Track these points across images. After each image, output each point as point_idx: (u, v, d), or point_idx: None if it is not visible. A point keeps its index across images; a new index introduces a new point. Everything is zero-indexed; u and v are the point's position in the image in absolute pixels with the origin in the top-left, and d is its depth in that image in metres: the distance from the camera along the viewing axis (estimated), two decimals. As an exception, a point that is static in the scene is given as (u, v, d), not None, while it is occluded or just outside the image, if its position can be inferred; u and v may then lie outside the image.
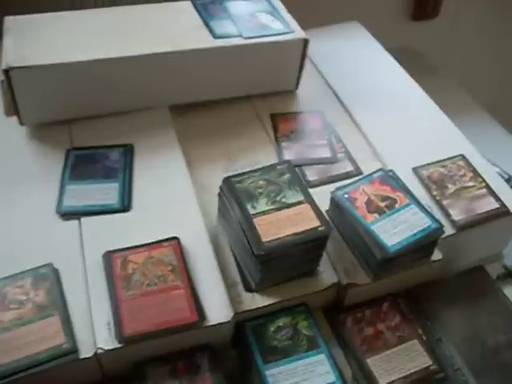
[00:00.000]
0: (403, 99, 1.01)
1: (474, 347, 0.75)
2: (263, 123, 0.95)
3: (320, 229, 0.70)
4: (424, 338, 0.75)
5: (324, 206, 0.79)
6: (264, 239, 0.69)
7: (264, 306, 0.72)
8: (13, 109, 0.87)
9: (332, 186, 0.81)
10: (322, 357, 0.70)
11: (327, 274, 0.75)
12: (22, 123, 0.89)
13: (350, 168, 0.88)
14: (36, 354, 0.65)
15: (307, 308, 0.74)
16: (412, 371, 0.71)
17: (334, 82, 1.04)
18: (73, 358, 0.65)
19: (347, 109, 0.99)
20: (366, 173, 0.85)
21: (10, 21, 0.91)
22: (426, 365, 0.72)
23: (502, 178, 0.92)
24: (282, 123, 0.94)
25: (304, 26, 0.97)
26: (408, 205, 0.77)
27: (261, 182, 0.75)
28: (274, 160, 0.87)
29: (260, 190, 0.74)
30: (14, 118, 0.88)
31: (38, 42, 0.87)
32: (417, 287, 0.80)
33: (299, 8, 1.02)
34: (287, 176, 0.76)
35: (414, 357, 0.73)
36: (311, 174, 0.87)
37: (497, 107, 1.42)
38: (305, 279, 0.75)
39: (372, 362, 0.72)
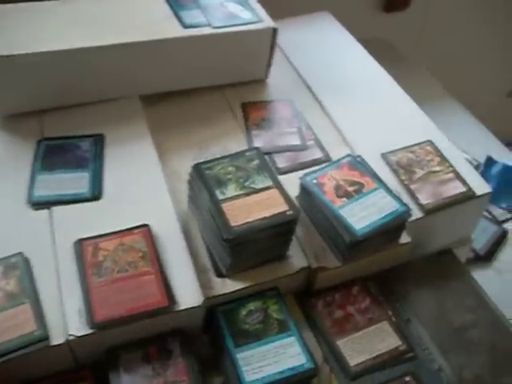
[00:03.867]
0: (372, 87, 1.03)
1: (441, 327, 0.77)
2: (234, 112, 0.96)
3: (288, 213, 0.71)
4: (393, 319, 0.76)
5: (294, 192, 0.80)
6: (233, 223, 0.70)
7: (235, 291, 0.73)
8: (-16, 100, 0.87)
9: (302, 173, 0.82)
10: (293, 339, 0.71)
11: (297, 259, 0.76)
12: (-7, 114, 0.89)
13: (319, 155, 0.89)
14: (7, 341, 0.65)
15: (278, 292, 0.75)
16: (382, 352, 0.73)
17: (303, 71, 1.05)
18: (44, 344, 0.65)
19: (317, 97, 1.00)
20: (335, 160, 0.86)
21: (-18, 11, 0.91)
22: (396, 345, 0.74)
23: (471, 164, 0.94)
24: (252, 112, 0.95)
25: (275, 16, 0.98)
26: (376, 189, 0.78)
27: (230, 169, 0.75)
28: (244, 148, 0.88)
29: (229, 176, 0.74)
30: (-16, 110, 0.89)
31: (10, 32, 0.88)
32: (386, 270, 0.82)
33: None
34: (256, 162, 0.77)
35: (383, 338, 0.74)
36: (281, 161, 0.88)
37: (467, 97, 1.44)
38: (275, 264, 0.76)
39: (342, 343, 0.74)
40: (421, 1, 1.65)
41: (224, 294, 0.73)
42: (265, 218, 0.71)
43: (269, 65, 0.99)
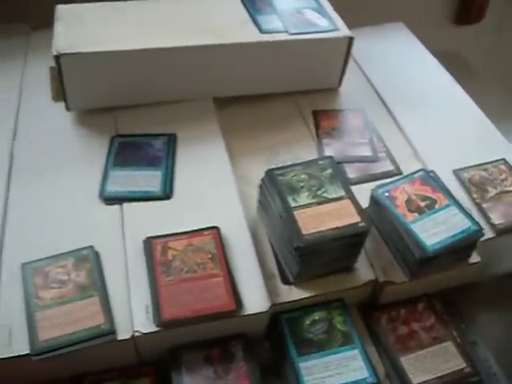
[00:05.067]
0: (446, 101, 1.01)
1: (510, 352, 0.75)
2: (305, 119, 0.96)
3: (360, 224, 0.71)
4: (459, 340, 0.74)
5: (363, 204, 0.79)
6: (304, 232, 0.69)
7: (300, 299, 0.73)
8: (60, 94, 0.89)
9: (371, 185, 0.81)
10: (356, 352, 0.70)
11: (364, 271, 0.75)
12: (68, 109, 0.90)
13: (390, 167, 0.88)
14: (75, 332, 0.66)
15: (343, 303, 0.74)
16: (446, 372, 0.71)
17: (376, 81, 1.04)
18: (110, 338, 0.66)
19: (389, 108, 0.99)
20: (405, 173, 0.85)
21: (61, 9, 0.93)
22: (461, 367, 0.71)
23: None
24: (323, 120, 0.95)
25: (347, 25, 0.97)
26: (448, 206, 0.77)
27: (303, 176, 0.75)
28: (314, 156, 0.88)
29: (302, 184, 0.74)
30: (61, 104, 0.90)
31: (88, 31, 0.89)
32: (453, 289, 0.80)
33: (343, 7, 1.02)
34: (329, 171, 0.76)
35: (448, 358, 0.72)
36: (351, 172, 0.87)
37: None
38: (342, 275, 0.75)
39: (405, 360, 0.72)
40: (494, 14, 1.62)
41: (289, 302, 0.72)
42: (336, 228, 0.70)
43: (342, 73, 0.99)
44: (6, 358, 0.64)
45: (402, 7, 1.41)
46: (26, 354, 0.64)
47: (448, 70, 1.09)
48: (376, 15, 1.19)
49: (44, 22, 0.96)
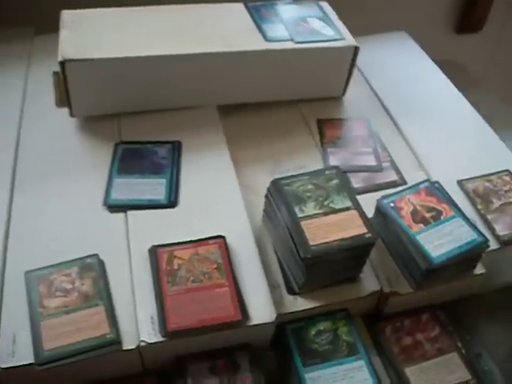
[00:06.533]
0: (449, 111, 1.01)
1: (514, 364, 0.75)
2: (309, 128, 0.95)
3: (367, 236, 0.70)
4: (463, 351, 0.74)
5: (367, 214, 0.79)
6: (311, 243, 0.69)
7: (305, 310, 0.73)
8: (64, 100, 0.88)
9: (376, 195, 0.81)
10: (362, 363, 0.70)
11: (369, 282, 0.75)
12: (72, 115, 0.90)
13: (394, 177, 0.88)
14: (80, 342, 0.66)
15: (348, 314, 0.74)
16: (451, 384, 0.71)
17: (380, 90, 1.05)
18: (116, 348, 0.66)
19: (393, 118, 0.99)
20: (410, 183, 0.85)
21: (66, 14, 0.93)
22: (465, 379, 0.71)
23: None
24: (328, 129, 0.95)
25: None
26: (453, 217, 0.76)
27: (309, 186, 0.75)
28: (319, 165, 0.88)
29: (308, 194, 0.74)
30: (65, 110, 0.90)
31: (94, 37, 0.89)
32: (458, 300, 0.80)
33: (344, 15, 1.02)
34: (335, 181, 0.76)
35: (452, 369, 0.72)
36: (355, 182, 0.87)
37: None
38: (347, 285, 0.75)
39: (410, 371, 0.72)
40: (495, 24, 1.62)
41: (294, 312, 0.72)
42: (343, 240, 0.70)
43: (347, 83, 0.99)
44: (9, 368, 0.63)
45: (402, 15, 1.41)
46: (30, 364, 0.64)
47: (448, 78, 1.09)
48: (376, 24, 1.19)
49: (47, 26, 0.95)
